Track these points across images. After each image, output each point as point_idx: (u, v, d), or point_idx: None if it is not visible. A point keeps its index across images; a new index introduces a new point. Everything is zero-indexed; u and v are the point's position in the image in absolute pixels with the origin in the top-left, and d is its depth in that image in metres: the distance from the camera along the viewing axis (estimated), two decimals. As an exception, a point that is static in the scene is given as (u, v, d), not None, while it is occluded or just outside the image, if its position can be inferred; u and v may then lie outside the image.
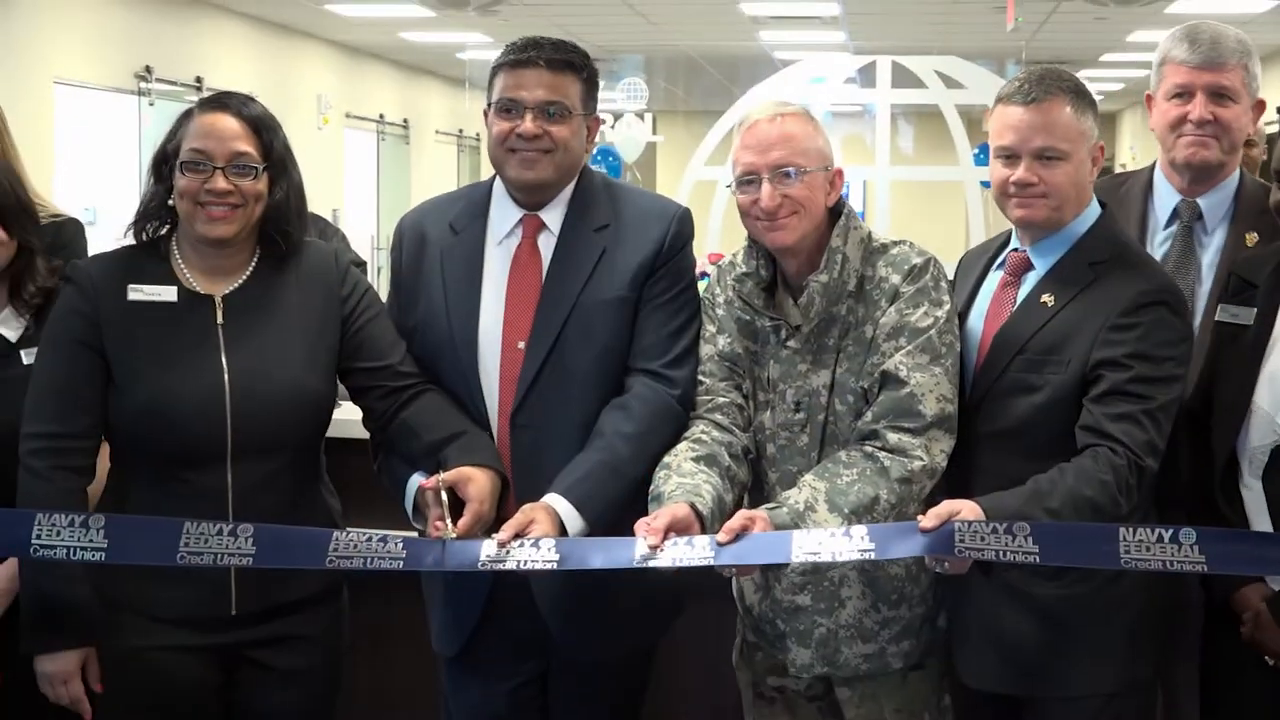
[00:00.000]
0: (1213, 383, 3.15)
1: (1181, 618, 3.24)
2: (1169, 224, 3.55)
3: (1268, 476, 3.03)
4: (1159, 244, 3.42)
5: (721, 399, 3.20)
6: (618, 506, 3.06)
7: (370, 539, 3.00)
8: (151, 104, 12.26)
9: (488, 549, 2.93)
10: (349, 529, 3.12)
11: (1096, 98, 3.18)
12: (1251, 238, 3.44)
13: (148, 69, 12.55)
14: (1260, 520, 3.04)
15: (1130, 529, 2.78)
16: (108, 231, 3.31)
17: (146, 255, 3.20)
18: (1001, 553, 2.77)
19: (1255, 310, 3.11)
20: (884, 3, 13.74)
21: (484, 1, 13.38)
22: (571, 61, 3.23)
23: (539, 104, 3.17)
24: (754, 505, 3.05)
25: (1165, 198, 3.60)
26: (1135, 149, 25.06)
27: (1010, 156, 3.07)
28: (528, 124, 3.16)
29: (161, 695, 3.14)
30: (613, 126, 13.74)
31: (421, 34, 16.40)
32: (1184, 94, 3.45)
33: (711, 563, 2.87)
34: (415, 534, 3.07)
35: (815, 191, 3.11)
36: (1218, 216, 3.52)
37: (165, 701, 3.15)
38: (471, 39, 16.12)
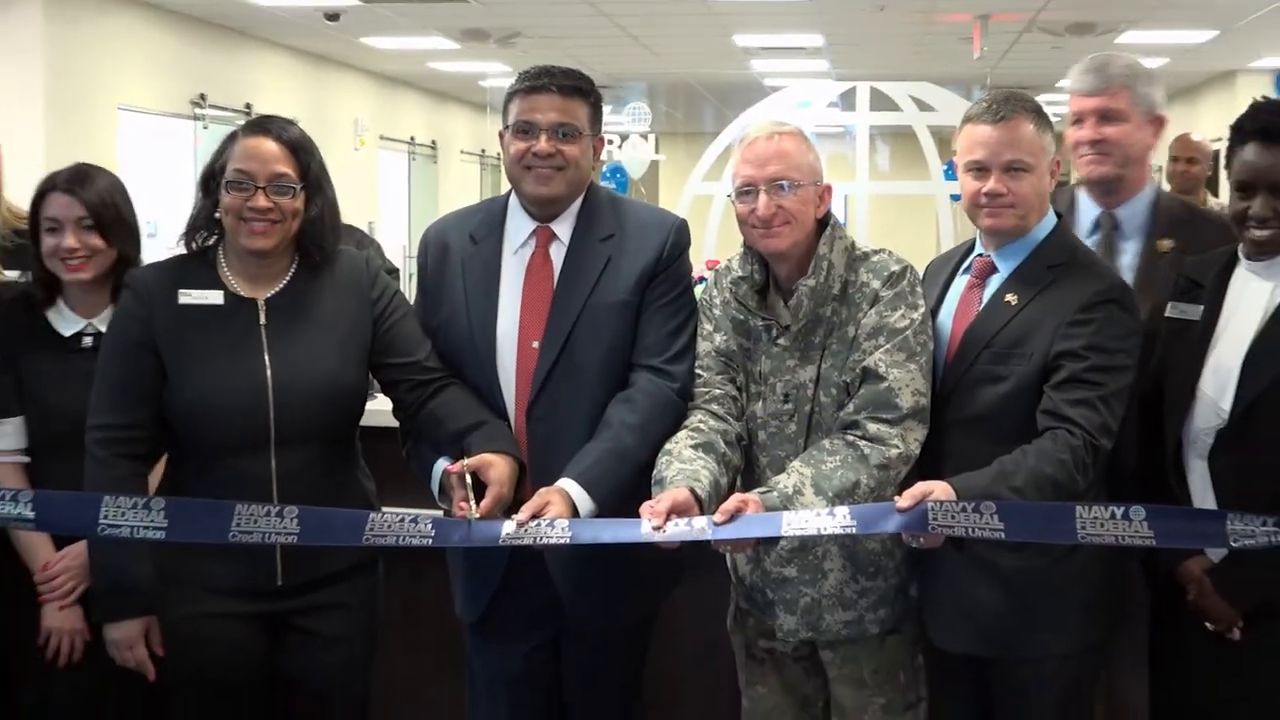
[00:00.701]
0: (1163, 373, 3.13)
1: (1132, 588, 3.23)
2: (1091, 233, 3.56)
3: (1211, 457, 3.03)
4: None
5: (717, 391, 3.18)
6: (624, 489, 3.05)
7: (403, 519, 3.01)
8: (205, 128, 12.25)
9: (507, 528, 2.93)
10: (384, 510, 3.13)
11: (1053, 119, 3.17)
12: (1163, 244, 3.47)
13: (202, 96, 12.54)
14: (1204, 498, 3.03)
15: (1086, 507, 2.79)
16: (166, 242, 3.32)
17: (196, 263, 3.19)
18: (970, 529, 2.79)
19: (1201, 307, 3.10)
20: (862, 34, 13.72)
21: (503, 35, 13.42)
22: (580, 87, 3.22)
23: (552, 125, 3.16)
24: (746, 486, 3.07)
25: (1086, 210, 3.63)
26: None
27: (981, 170, 3.06)
28: (542, 144, 3.16)
29: (216, 658, 3.14)
30: (620, 146, 13.71)
31: (447, 64, 16.38)
32: (1079, 120, 3.50)
33: (709, 539, 2.88)
34: (442, 514, 3.06)
35: (806, 204, 3.11)
36: (1134, 226, 3.55)
37: (219, 664, 3.14)
38: (492, 68, 16.12)
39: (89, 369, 3.20)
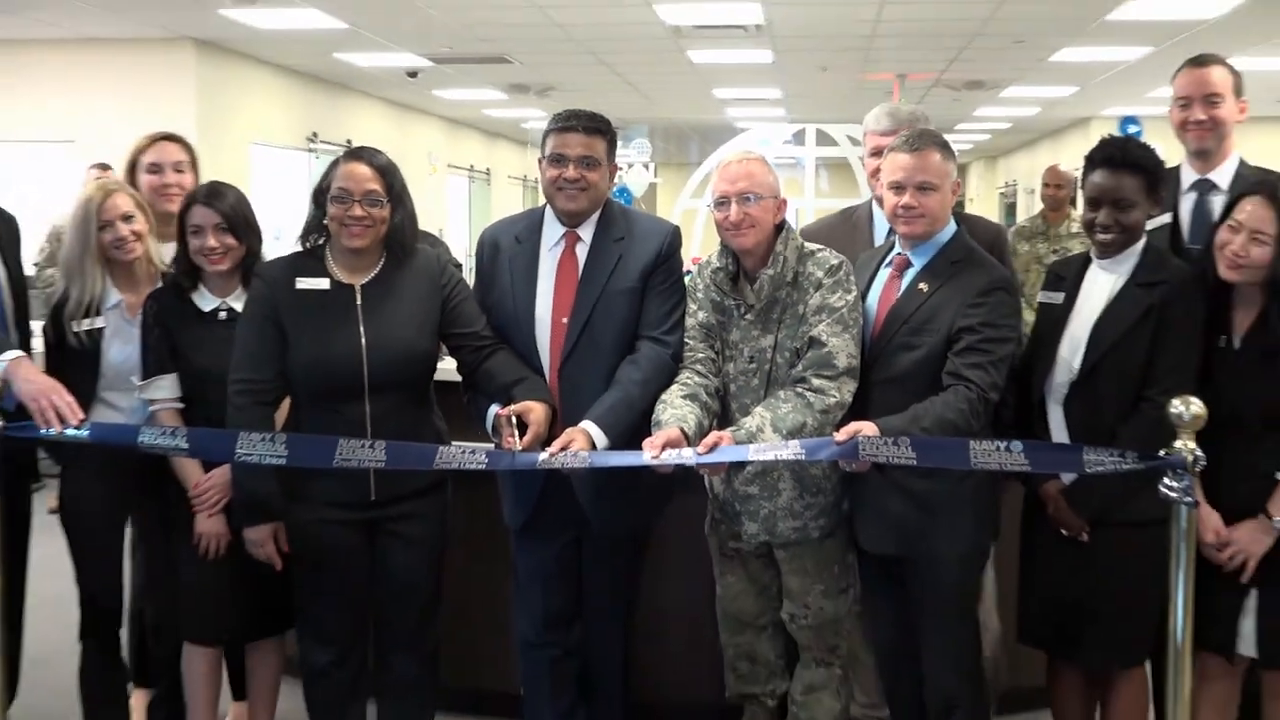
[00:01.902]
0: (1034, 342, 3.13)
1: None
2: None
3: (1065, 404, 3.04)
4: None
5: (700, 355, 3.18)
6: (631, 429, 3.05)
7: (464, 450, 3.03)
8: (316, 157, 12.24)
9: (542, 457, 2.95)
10: (452, 443, 3.13)
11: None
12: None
13: (314, 134, 12.54)
14: (1060, 434, 3.05)
15: (978, 441, 2.80)
16: (287, 243, 3.33)
17: (309, 258, 3.18)
18: (890, 458, 2.80)
19: (1063, 294, 3.11)
20: (810, 89, 13.70)
21: (540, 88, 13.41)
22: (600, 128, 3.20)
23: (578, 157, 3.15)
24: (721, 426, 3.06)
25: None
26: (977, 195, 25.04)
27: (899, 188, 3.04)
28: (571, 171, 3.15)
29: (326, 553, 3.16)
30: (626, 172, 13.68)
31: (498, 110, 16.36)
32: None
33: (693, 464, 2.91)
34: (493, 446, 3.06)
35: (767, 212, 3.10)
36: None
37: (329, 557, 3.16)
38: (531, 114, 16.09)
39: (224, 337, 3.19)
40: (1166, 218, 3.27)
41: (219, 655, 3.51)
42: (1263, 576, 2.92)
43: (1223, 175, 3.29)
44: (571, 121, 3.18)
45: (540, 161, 3.24)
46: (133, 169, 3.67)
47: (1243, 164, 3.31)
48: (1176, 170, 3.36)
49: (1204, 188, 3.31)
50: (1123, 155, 3.01)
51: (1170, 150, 3.26)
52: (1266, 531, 2.88)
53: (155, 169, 3.64)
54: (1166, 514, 2.71)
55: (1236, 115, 3.31)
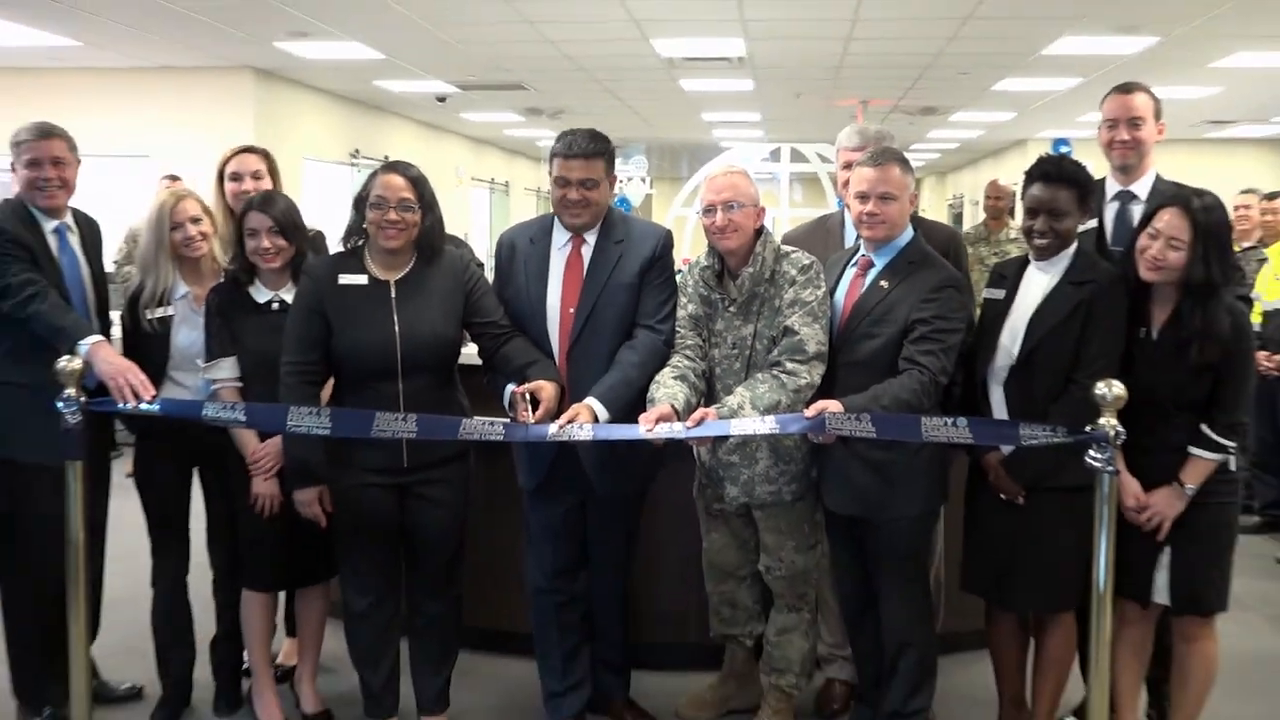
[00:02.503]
0: (979, 333, 3.12)
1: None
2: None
3: (1005, 385, 3.02)
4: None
5: (689, 342, 3.16)
6: (629, 405, 3.03)
7: (484, 423, 3.01)
8: (358, 170, 12.21)
9: (552, 429, 2.93)
10: (474, 417, 3.11)
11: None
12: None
13: (356, 150, 12.50)
14: (1000, 411, 3.03)
15: (929, 418, 2.80)
16: (332, 244, 3.32)
17: (350, 256, 3.16)
18: (853, 431, 2.80)
19: (1004, 291, 3.08)
20: (785, 113, 13.66)
21: (553, 111, 13.36)
22: (600, 149, 3.16)
23: (579, 180, 3.13)
24: (707, 403, 3.04)
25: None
26: (929, 206, 25.00)
27: (864, 197, 3.03)
28: (573, 194, 3.14)
29: (364, 513, 3.14)
30: (626, 184, 13.67)
31: (516, 130, 16.28)
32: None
33: (683, 437, 2.90)
34: (509, 420, 3.04)
35: (747, 218, 3.09)
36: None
37: (367, 516, 3.15)
38: (546, 133, 16.03)
39: (276, 325, 3.18)
40: (1093, 223, 3.27)
41: (272, 599, 3.50)
42: (1175, 535, 2.92)
43: (1142, 187, 3.29)
44: (572, 148, 3.14)
45: (549, 175, 3.22)
46: (221, 176, 3.68)
47: (1159, 178, 3.30)
48: (1102, 182, 3.35)
49: (1125, 198, 3.30)
50: (1058, 171, 2.99)
51: (1096, 167, 3.24)
52: (1179, 497, 2.87)
53: (236, 177, 3.64)
54: (1091, 481, 2.70)
55: (1155, 136, 3.29)
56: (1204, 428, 2.84)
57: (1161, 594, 2.98)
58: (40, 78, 9.87)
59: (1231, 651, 3.49)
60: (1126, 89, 3.30)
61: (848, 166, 3.39)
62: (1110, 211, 3.32)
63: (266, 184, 3.64)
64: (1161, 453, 2.89)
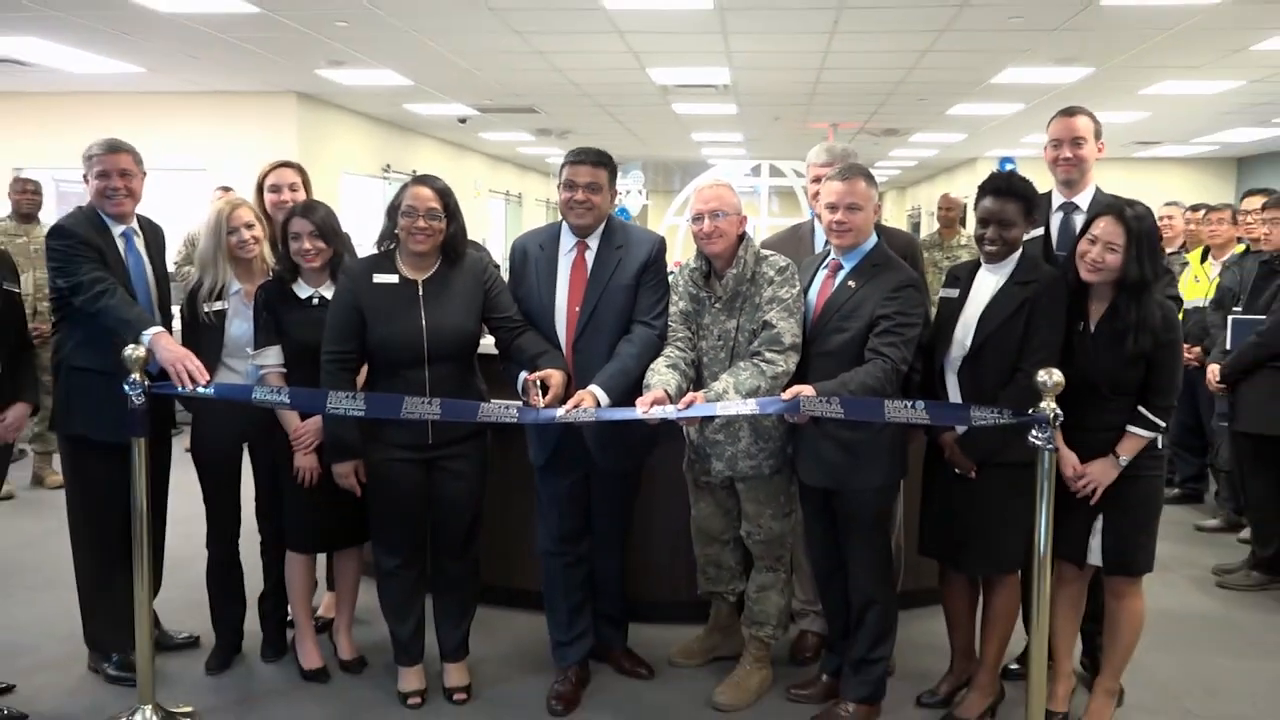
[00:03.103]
0: (936, 327, 3.09)
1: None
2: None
3: (959, 372, 2.99)
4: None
5: (680, 335, 3.13)
6: (627, 391, 3.01)
7: (500, 406, 2.99)
8: (390, 184, 12.14)
9: (560, 412, 2.92)
10: (491, 400, 3.09)
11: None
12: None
13: (388, 165, 12.44)
14: (955, 396, 3.01)
15: (891, 401, 2.78)
16: (366, 248, 3.30)
17: (383, 258, 3.13)
18: (824, 413, 2.77)
19: (958, 291, 3.06)
20: (765, 133, 13.61)
21: (560, 131, 13.31)
22: (604, 161, 3.15)
23: (586, 184, 3.11)
24: (696, 388, 3.02)
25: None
26: (890, 216, 24.95)
27: (833, 208, 3.00)
28: (580, 195, 3.11)
29: (394, 484, 3.12)
30: (625, 196, 13.64)
31: (529, 148, 16.20)
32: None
33: (674, 418, 2.88)
34: (521, 404, 3.02)
35: (731, 225, 3.06)
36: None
37: (396, 487, 3.13)
38: (554, 151, 15.98)
39: (317, 318, 3.16)
40: (1039, 232, 3.25)
41: (312, 560, 3.49)
42: (1107, 505, 2.92)
43: (1084, 199, 3.26)
44: (581, 156, 3.13)
45: (558, 187, 3.20)
46: (260, 189, 3.66)
47: (1099, 191, 3.28)
48: (1049, 195, 3.32)
49: (1069, 209, 3.27)
50: (1007, 186, 2.97)
51: (1040, 182, 3.21)
52: (1114, 467, 2.86)
53: (275, 189, 3.63)
54: (1034, 458, 2.69)
55: (1096, 154, 3.27)
56: (1142, 409, 2.84)
57: (1095, 556, 2.97)
58: (109, 100, 9.84)
59: (1156, 608, 3.50)
60: (1070, 112, 3.28)
61: (817, 180, 3.36)
62: (1056, 221, 3.29)
63: (301, 195, 3.62)
64: (1099, 431, 2.88)
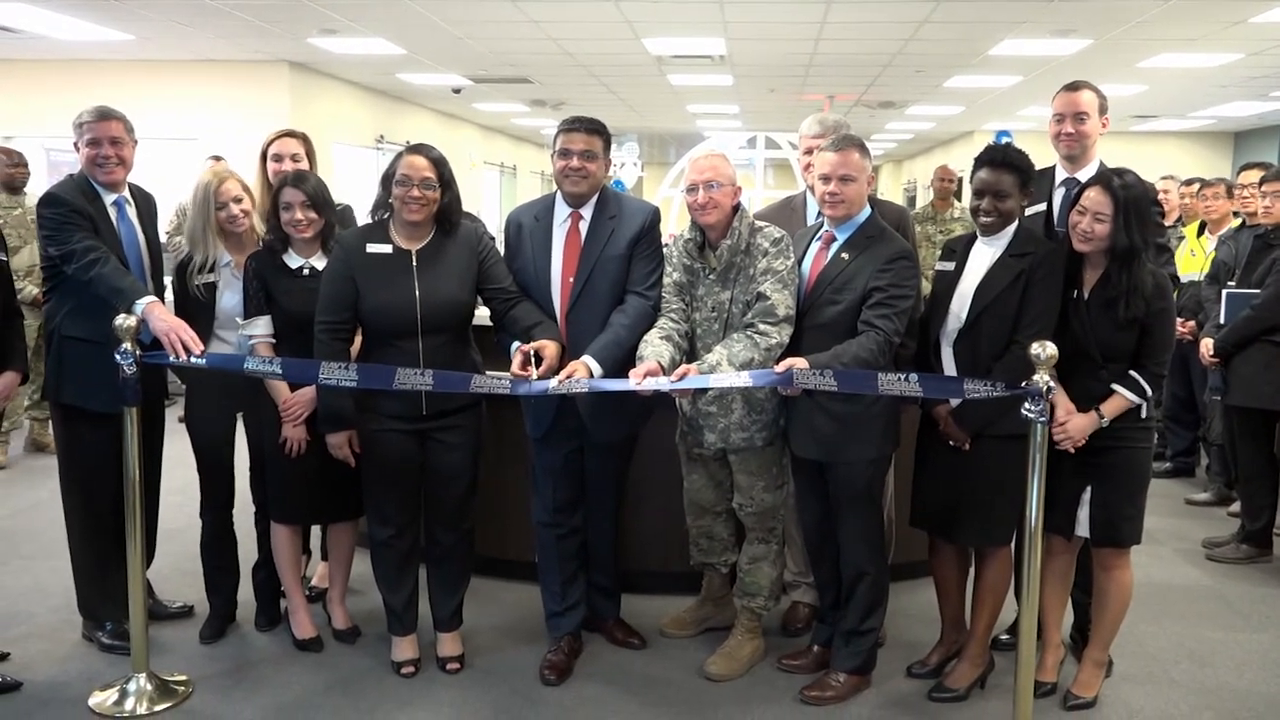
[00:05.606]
0: (932, 299, 3.09)
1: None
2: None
3: (955, 347, 3.00)
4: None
5: (674, 306, 3.13)
6: (620, 362, 3.01)
7: (494, 377, 2.98)
8: (383, 154, 12.07)
9: (553, 383, 2.90)
10: (485, 372, 3.07)
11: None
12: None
13: (381, 136, 12.35)
14: (950, 369, 3.01)
15: (884, 373, 2.77)
16: (360, 217, 3.29)
17: (376, 228, 3.11)
18: (817, 385, 2.77)
19: (954, 264, 3.06)
20: (760, 106, 13.52)
21: (555, 103, 13.21)
22: (598, 129, 3.13)
23: (580, 151, 3.09)
24: (689, 360, 3.03)
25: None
26: (886, 190, 24.88)
27: (826, 179, 2.99)
28: (574, 162, 3.09)
29: (388, 454, 3.13)
30: (620, 168, 13.60)
31: (523, 120, 16.09)
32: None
33: (667, 389, 2.87)
34: (512, 376, 3.02)
35: (726, 197, 3.04)
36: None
37: (390, 458, 3.13)
38: (549, 122, 15.85)
39: (307, 288, 3.15)
40: (1041, 207, 3.23)
41: (298, 531, 3.49)
42: (1095, 477, 2.93)
43: (1086, 175, 3.23)
44: (575, 124, 3.11)
45: (552, 156, 3.17)
46: (264, 156, 3.64)
47: (1102, 166, 3.25)
48: (1052, 170, 3.30)
49: (1071, 185, 3.24)
50: (1003, 157, 2.96)
51: (1038, 156, 3.18)
52: (1093, 423, 2.87)
53: (277, 158, 3.61)
54: (1026, 430, 2.69)
55: (1100, 129, 3.24)
56: (1133, 372, 2.85)
57: (1083, 528, 2.99)
58: (100, 68, 9.73)
59: (1145, 580, 3.52)
60: (1074, 87, 3.25)
61: (809, 152, 3.35)
62: (1058, 196, 3.27)
63: (304, 165, 3.60)
64: (1091, 400, 2.88)
